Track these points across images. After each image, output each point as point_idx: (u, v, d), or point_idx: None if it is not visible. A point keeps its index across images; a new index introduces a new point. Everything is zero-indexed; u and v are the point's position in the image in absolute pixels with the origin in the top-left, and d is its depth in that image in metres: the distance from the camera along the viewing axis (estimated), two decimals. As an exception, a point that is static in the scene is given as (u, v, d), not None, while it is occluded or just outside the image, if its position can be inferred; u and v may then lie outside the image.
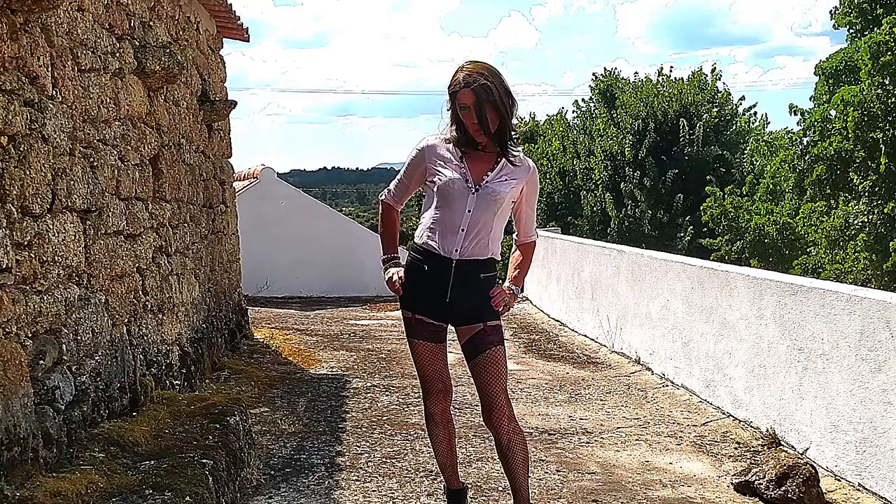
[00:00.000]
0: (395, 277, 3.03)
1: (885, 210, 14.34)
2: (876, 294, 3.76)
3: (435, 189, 2.95)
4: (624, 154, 21.94)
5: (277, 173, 13.58)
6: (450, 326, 3.06)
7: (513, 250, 3.17)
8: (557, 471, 4.01)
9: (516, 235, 3.14)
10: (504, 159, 2.93)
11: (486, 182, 2.91)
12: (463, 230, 2.90)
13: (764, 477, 3.70)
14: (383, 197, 3.20)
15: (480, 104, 2.81)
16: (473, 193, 2.90)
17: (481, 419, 4.84)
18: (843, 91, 14.82)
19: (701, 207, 20.04)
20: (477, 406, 5.17)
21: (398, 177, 3.15)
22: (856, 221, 15.22)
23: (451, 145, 2.96)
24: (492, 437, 4.44)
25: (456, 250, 2.91)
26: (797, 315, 4.25)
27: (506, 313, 3.06)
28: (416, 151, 3.04)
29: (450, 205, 2.92)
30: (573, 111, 26.00)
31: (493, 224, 2.94)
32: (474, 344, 2.98)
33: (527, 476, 3.08)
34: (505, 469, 3.08)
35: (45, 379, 2.88)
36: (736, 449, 4.44)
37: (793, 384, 4.29)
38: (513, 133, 2.93)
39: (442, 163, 2.95)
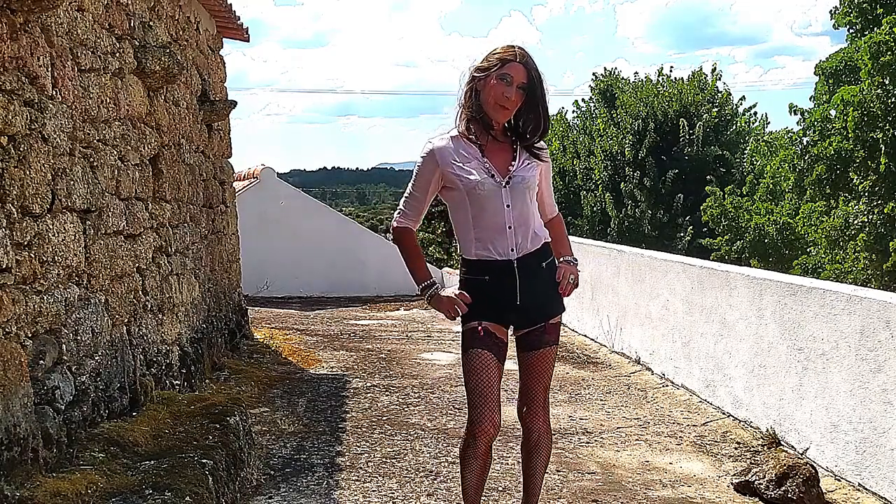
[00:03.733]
0: (454, 296, 2.72)
1: (885, 210, 14.34)
2: (876, 294, 3.76)
3: (464, 194, 2.70)
4: (624, 154, 21.95)
5: (277, 173, 13.58)
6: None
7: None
8: (557, 471, 4.00)
9: (542, 216, 2.95)
10: (518, 146, 2.76)
11: (514, 171, 2.72)
12: (510, 227, 2.71)
13: (764, 477, 3.70)
14: (396, 223, 2.84)
15: (530, 89, 2.65)
16: (505, 187, 2.70)
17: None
18: (843, 91, 14.82)
19: (701, 207, 20.05)
20: (477, 406, 5.19)
21: (408, 193, 2.81)
22: (856, 221, 15.21)
23: (463, 140, 2.72)
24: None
25: (512, 250, 2.72)
26: (797, 315, 4.25)
27: (575, 290, 2.89)
28: (425, 159, 2.74)
29: (485, 207, 2.70)
30: (573, 111, 26.02)
31: (532, 211, 2.78)
32: (530, 339, 2.85)
33: (543, 478, 3.01)
34: (525, 466, 2.98)
35: (45, 379, 2.88)
36: (736, 449, 4.44)
37: (793, 384, 4.29)
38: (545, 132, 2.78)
39: (460, 163, 2.70)
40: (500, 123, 2.73)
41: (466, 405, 2.79)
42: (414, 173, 2.79)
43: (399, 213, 2.84)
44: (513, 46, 2.70)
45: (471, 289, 2.75)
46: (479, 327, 2.74)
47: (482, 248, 2.73)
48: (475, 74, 2.71)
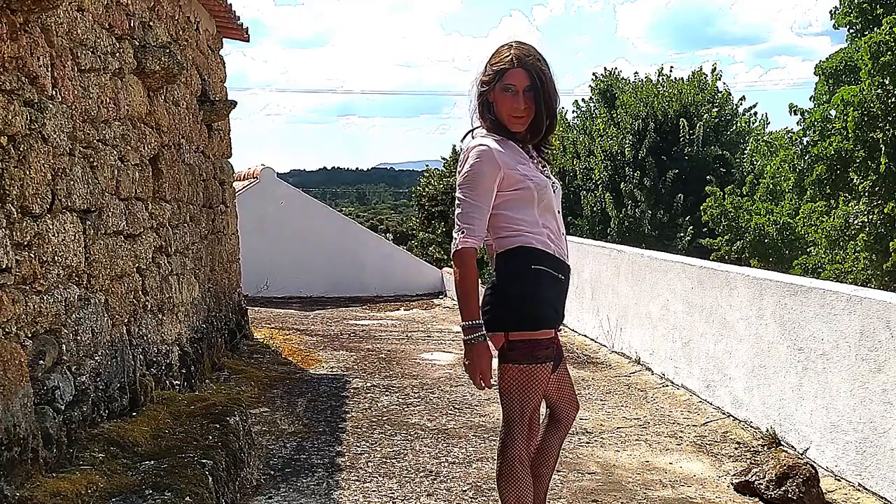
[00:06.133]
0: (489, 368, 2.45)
1: (885, 210, 14.32)
2: (876, 294, 3.76)
3: (533, 192, 2.51)
4: (624, 154, 21.94)
5: (277, 173, 13.60)
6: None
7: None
8: (557, 471, 4.00)
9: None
10: (535, 151, 2.66)
11: (551, 177, 2.62)
12: (563, 233, 2.62)
13: (764, 477, 3.70)
14: (463, 244, 2.44)
15: (535, 90, 2.49)
16: (554, 192, 2.60)
17: (482, 419, 4.86)
18: (843, 91, 14.81)
19: (701, 207, 20.03)
20: (478, 406, 5.20)
21: (468, 206, 2.45)
22: (856, 221, 15.20)
23: (510, 142, 2.55)
24: (492, 438, 4.45)
25: (567, 255, 2.62)
26: (797, 315, 4.25)
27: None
28: (484, 162, 2.45)
29: (549, 208, 2.56)
30: (573, 111, 26.00)
31: None
32: (558, 351, 2.71)
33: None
34: (553, 448, 2.82)
35: (45, 379, 2.88)
36: (736, 449, 4.44)
37: (793, 384, 4.29)
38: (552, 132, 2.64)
39: (519, 164, 2.50)
40: (521, 132, 2.59)
41: (511, 419, 2.58)
42: (470, 182, 2.46)
43: (463, 231, 2.45)
44: (509, 47, 2.54)
45: (541, 284, 2.50)
46: (552, 336, 2.55)
47: (554, 248, 2.55)
48: (481, 89, 2.57)
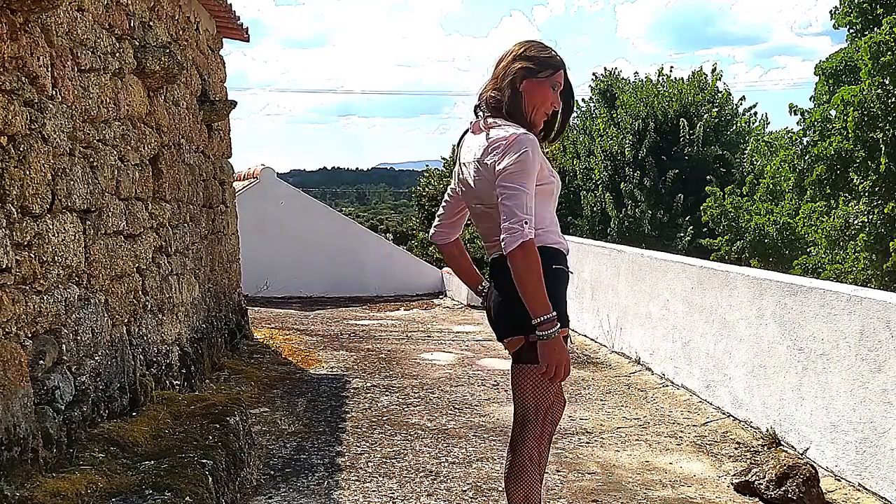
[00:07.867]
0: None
1: (885, 210, 14.33)
2: (876, 294, 3.76)
3: (553, 187, 2.56)
4: (624, 154, 21.95)
5: (277, 173, 13.60)
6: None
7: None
8: (557, 471, 4.00)
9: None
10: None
11: None
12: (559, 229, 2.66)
13: (764, 477, 3.70)
14: (528, 236, 2.31)
15: (567, 94, 2.57)
16: None
17: (482, 419, 4.86)
18: (843, 91, 14.81)
19: (701, 207, 20.03)
20: (478, 406, 5.20)
21: (524, 196, 2.34)
22: (856, 221, 15.20)
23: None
24: (492, 438, 4.46)
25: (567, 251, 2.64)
26: (797, 315, 4.25)
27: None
28: (532, 153, 2.37)
29: (555, 206, 2.62)
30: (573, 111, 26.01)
31: None
32: None
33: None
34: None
35: (45, 379, 2.88)
36: (736, 449, 4.44)
37: (793, 384, 4.29)
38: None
39: (544, 158, 2.50)
40: (538, 130, 2.56)
41: (526, 418, 2.56)
42: (523, 171, 2.35)
43: (527, 221, 2.32)
44: (545, 45, 2.56)
45: (561, 283, 2.51)
46: (568, 334, 2.53)
47: (565, 245, 2.59)
48: (522, 73, 2.49)
